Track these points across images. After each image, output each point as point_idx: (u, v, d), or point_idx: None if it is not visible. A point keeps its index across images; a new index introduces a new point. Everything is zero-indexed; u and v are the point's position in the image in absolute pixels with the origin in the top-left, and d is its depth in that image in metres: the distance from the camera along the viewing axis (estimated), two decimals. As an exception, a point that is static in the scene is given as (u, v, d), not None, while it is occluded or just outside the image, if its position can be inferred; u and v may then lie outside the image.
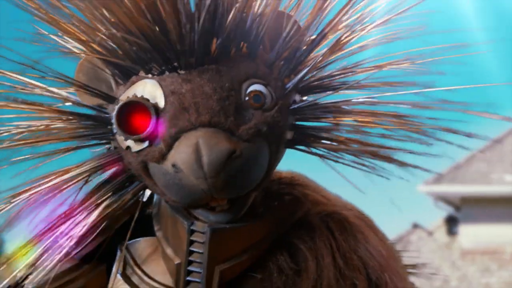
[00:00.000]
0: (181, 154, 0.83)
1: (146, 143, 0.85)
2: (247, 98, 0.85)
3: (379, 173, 0.95)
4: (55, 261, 0.89)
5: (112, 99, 0.89)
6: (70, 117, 0.90)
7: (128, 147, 0.86)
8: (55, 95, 0.91)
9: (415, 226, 9.68)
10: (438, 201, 9.87)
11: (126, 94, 0.86)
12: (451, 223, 10.01)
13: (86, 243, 0.92)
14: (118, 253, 0.96)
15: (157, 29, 0.82)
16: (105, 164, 0.91)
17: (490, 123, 0.99)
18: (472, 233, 9.36)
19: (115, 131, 0.87)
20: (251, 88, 0.86)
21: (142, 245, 0.96)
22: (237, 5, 0.82)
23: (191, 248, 0.89)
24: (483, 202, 9.23)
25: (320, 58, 0.88)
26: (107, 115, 0.89)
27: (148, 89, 0.85)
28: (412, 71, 0.90)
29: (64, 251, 0.88)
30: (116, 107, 0.85)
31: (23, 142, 0.90)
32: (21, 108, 0.89)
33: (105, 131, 0.90)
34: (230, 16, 0.82)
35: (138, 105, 0.85)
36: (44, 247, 0.90)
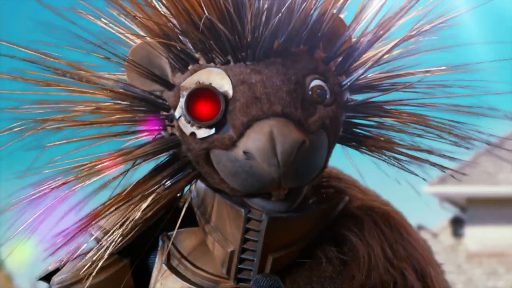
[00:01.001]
0: (255, 141, 0.87)
1: (213, 130, 0.88)
2: (310, 93, 0.91)
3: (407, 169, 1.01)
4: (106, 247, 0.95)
5: (169, 85, 0.92)
6: (124, 99, 0.92)
7: (192, 133, 0.89)
8: (105, 80, 0.93)
9: (420, 227, 9.65)
10: (443, 202, 9.85)
11: (189, 81, 0.89)
12: (457, 224, 9.98)
13: (127, 236, 0.96)
14: (160, 244, 0.99)
15: (231, 20, 0.87)
16: (161, 150, 0.94)
17: (497, 122, 1.04)
18: (478, 235, 9.34)
19: (178, 116, 0.90)
20: (314, 83, 0.92)
21: (185, 236, 1.00)
22: (303, 6, 0.89)
23: (246, 236, 0.94)
24: (490, 203, 9.21)
25: (377, 60, 0.95)
26: (161, 101, 0.92)
27: (214, 77, 0.89)
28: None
29: (115, 237, 0.93)
30: (185, 92, 0.88)
31: (72, 123, 0.93)
32: (74, 89, 0.93)
33: (158, 116, 0.93)
34: (297, 15, 0.88)
35: (208, 92, 0.88)
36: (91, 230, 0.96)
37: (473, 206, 9.48)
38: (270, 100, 0.89)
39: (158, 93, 0.93)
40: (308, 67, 0.93)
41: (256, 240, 0.94)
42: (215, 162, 0.91)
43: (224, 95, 0.89)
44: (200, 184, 1.02)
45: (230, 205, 0.96)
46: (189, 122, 0.89)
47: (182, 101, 0.89)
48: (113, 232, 0.98)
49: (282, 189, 0.90)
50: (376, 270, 0.94)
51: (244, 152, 0.87)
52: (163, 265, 0.98)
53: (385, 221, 0.98)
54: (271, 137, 0.86)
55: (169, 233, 0.99)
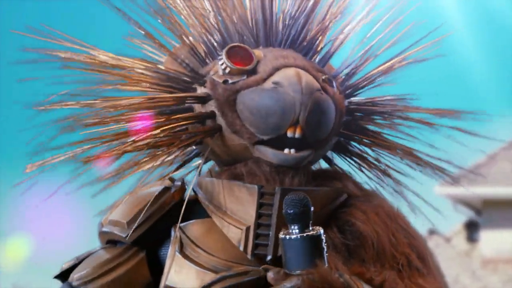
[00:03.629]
0: (284, 73, 1.11)
1: (245, 76, 1.13)
2: (322, 80, 1.15)
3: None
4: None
5: (202, 62, 1.21)
6: (163, 79, 1.16)
7: (225, 81, 1.13)
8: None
9: (432, 232, 9.65)
10: (457, 204, 9.84)
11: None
12: (471, 228, 9.98)
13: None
14: (173, 234, 1.12)
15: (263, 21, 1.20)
16: (192, 98, 1.16)
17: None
18: (494, 240, 9.33)
19: (212, 73, 1.15)
20: (324, 77, 1.17)
21: (195, 227, 1.13)
22: (319, 26, 1.22)
23: (260, 211, 1.09)
24: (506, 206, 9.20)
25: (373, 79, 1.24)
26: (196, 75, 1.17)
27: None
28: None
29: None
30: (225, 48, 1.14)
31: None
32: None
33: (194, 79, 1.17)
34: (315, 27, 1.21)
35: (243, 48, 1.16)
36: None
37: (489, 208, 9.47)
38: (295, 59, 1.16)
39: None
40: (321, 69, 1.20)
41: (270, 214, 1.08)
42: (241, 103, 1.11)
43: (256, 55, 1.14)
44: (203, 179, 1.18)
45: (242, 185, 1.11)
46: (224, 70, 1.13)
47: (222, 53, 1.14)
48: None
49: (298, 127, 1.08)
50: (383, 254, 1.09)
51: (274, 82, 1.10)
52: (177, 253, 1.09)
53: (385, 212, 1.14)
54: (297, 73, 1.11)
55: (181, 224, 1.12)
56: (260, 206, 1.09)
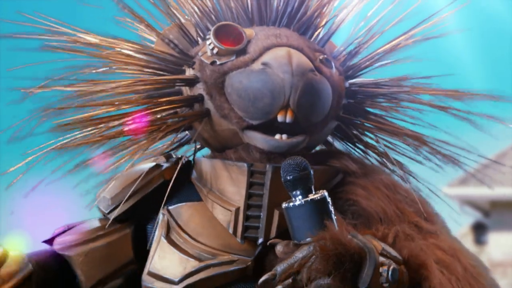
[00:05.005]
0: (274, 54, 1.07)
1: (234, 56, 1.09)
2: (319, 59, 1.12)
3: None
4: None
5: (193, 43, 1.18)
6: (153, 62, 1.14)
7: (213, 62, 1.10)
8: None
9: (438, 234, 9.68)
10: (464, 206, 9.84)
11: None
12: (479, 230, 9.98)
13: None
14: (160, 217, 1.11)
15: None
16: (181, 80, 1.13)
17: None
18: (503, 243, 9.33)
19: (200, 54, 1.12)
20: (321, 57, 1.13)
21: (186, 210, 1.11)
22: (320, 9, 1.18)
23: (251, 191, 1.06)
24: (516, 207, 9.20)
25: (377, 58, 1.20)
26: (185, 57, 1.15)
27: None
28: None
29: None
30: (214, 27, 1.11)
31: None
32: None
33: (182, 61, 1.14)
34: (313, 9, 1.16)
35: (233, 27, 1.12)
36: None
37: (498, 210, 9.47)
38: (288, 37, 1.11)
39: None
40: (318, 48, 1.16)
41: (261, 194, 1.05)
42: (229, 86, 1.08)
43: (247, 34, 1.11)
44: (197, 159, 1.16)
45: (231, 164, 1.08)
46: (212, 50, 1.09)
47: (210, 33, 1.10)
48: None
49: (289, 111, 1.04)
50: (393, 224, 1.04)
51: (263, 63, 1.06)
52: (162, 237, 1.08)
53: (384, 185, 1.11)
54: (288, 54, 1.06)
55: (170, 207, 1.11)
56: (250, 185, 1.06)
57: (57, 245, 1.14)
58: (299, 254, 0.88)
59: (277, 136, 1.06)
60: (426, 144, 1.17)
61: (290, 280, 0.88)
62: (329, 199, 0.93)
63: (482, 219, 10.07)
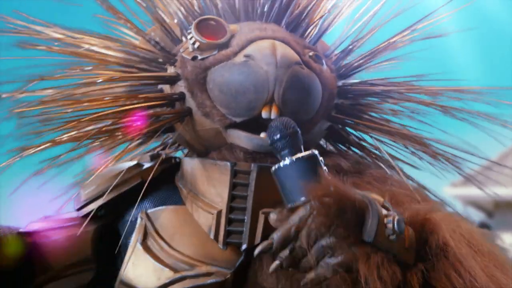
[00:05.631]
0: (257, 46, 1.01)
1: (216, 51, 1.04)
2: (308, 56, 1.07)
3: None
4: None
5: (177, 42, 1.13)
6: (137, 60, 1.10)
7: (195, 57, 1.05)
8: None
9: (441, 235, 9.67)
10: (468, 206, 9.83)
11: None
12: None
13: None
14: (139, 221, 1.05)
15: None
16: (162, 78, 1.09)
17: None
18: (507, 243, 9.32)
19: (182, 50, 1.07)
20: (311, 53, 1.08)
21: (166, 215, 1.05)
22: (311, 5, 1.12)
23: (234, 192, 0.99)
24: (520, 207, 9.19)
25: (366, 59, 1.16)
26: (167, 54, 1.10)
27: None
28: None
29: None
30: (195, 21, 1.06)
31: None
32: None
33: (165, 59, 1.09)
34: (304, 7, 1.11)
35: (215, 20, 1.07)
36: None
37: (501, 210, 9.46)
38: (274, 31, 1.05)
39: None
40: (309, 46, 1.10)
41: (245, 196, 0.98)
42: (211, 81, 1.02)
43: (231, 29, 1.05)
44: (182, 159, 1.10)
45: (213, 163, 1.02)
46: (194, 44, 1.04)
47: (191, 27, 1.06)
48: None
49: (274, 106, 0.98)
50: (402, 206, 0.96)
51: (245, 55, 1.01)
52: (138, 243, 1.02)
53: (375, 179, 1.06)
54: (272, 45, 1.00)
55: (149, 210, 1.05)
56: (233, 186, 1.00)
57: (22, 230, 1.09)
58: (296, 217, 0.82)
59: (262, 135, 1.00)
60: (426, 146, 1.13)
61: (287, 251, 0.81)
62: (320, 158, 0.88)
63: (485, 219, 10.07)
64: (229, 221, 0.99)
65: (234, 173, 1.00)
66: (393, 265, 0.82)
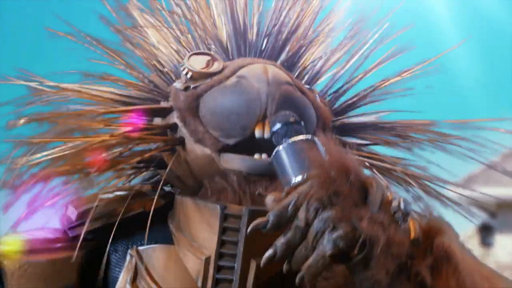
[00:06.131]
0: (249, 68, 1.03)
1: (209, 79, 1.04)
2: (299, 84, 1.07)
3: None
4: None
5: (171, 82, 1.12)
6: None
7: (187, 87, 1.05)
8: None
9: (443, 236, 9.65)
10: (470, 206, 9.81)
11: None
12: (485, 232, 9.97)
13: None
14: (128, 258, 1.00)
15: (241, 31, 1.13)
16: (155, 110, 1.08)
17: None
18: (510, 244, 9.33)
19: (175, 84, 1.07)
20: (306, 87, 1.09)
21: (157, 254, 1.00)
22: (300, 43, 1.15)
23: (224, 238, 0.94)
24: (522, 208, 9.20)
25: (359, 98, 1.15)
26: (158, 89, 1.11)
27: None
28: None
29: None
30: (188, 54, 1.08)
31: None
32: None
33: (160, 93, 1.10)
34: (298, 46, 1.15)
35: (207, 54, 1.09)
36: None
37: (504, 211, 9.47)
38: (265, 60, 1.08)
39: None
40: (300, 82, 1.11)
41: (235, 242, 0.94)
42: (203, 107, 1.02)
43: (223, 63, 1.07)
44: (176, 197, 1.05)
45: (204, 204, 0.98)
46: (186, 75, 1.05)
47: (184, 59, 1.08)
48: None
49: (267, 124, 0.96)
50: None
51: (237, 76, 1.01)
52: (127, 284, 0.98)
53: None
54: (264, 67, 1.03)
55: (141, 248, 1.00)
56: (223, 231, 0.94)
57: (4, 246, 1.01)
58: (294, 194, 0.77)
59: (256, 156, 0.97)
60: (421, 184, 1.11)
61: (282, 239, 0.76)
62: (319, 141, 0.84)
63: (488, 220, 10.07)
64: (218, 268, 0.95)
65: (224, 217, 0.95)
66: (399, 233, 0.77)
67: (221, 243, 0.94)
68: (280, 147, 0.84)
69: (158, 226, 1.02)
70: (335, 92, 1.18)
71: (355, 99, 1.16)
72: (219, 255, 0.94)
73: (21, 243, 1.01)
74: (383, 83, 1.16)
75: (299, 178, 0.80)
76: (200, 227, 0.97)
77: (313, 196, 0.75)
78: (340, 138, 1.10)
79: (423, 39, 1.19)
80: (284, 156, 0.83)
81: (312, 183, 0.77)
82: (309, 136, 0.85)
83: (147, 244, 1.01)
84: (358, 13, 1.21)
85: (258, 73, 1.00)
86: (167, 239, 1.02)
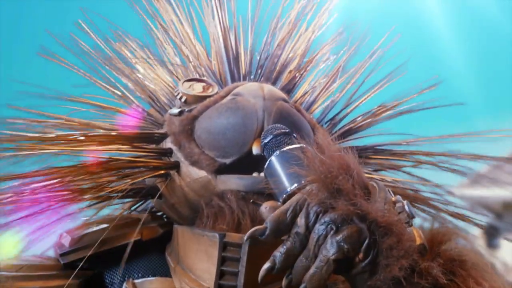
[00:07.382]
0: (244, 86, 1.03)
1: (204, 101, 1.03)
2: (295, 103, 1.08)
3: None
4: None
5: (164, 112, 1.14)
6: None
7: (181, 111, 1.05)
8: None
9: (449, 237, 9.64)
10: (476, 207, 9.81)
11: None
12: (491, 234, 9.93)
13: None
14: None
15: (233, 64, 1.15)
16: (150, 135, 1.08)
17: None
18: (516, 246, 9.30)
19: (169, 111, 1.08)
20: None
21: (154, 287, 0.95)
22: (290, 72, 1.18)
23: (223, 268, 0.88)
24: (529, 209, 9.19)
25: (355, 124, 1.16)
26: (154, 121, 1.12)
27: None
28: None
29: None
30: (182, 80, 1.09)
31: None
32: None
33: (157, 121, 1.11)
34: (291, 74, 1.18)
35: (202, 80, 1.09)
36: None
37: (510, 212, 9.45)
38: (260, 81, 1.08)
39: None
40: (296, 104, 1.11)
41: (235, 273, 0.88)
42: (198, 129, 1.00)
43: (217, 88, 1.08)
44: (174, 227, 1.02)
45: (201, 233, 0.93)
46: (181, 99, 1.05)
47: (178, 86, 1.08)
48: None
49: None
50: None
51: (233, 94, 1.02)
52: None
53: None
54: (259, 85, 1.01)
55: (136, 280, 0.96)
56: (222, 261, 0.89)
57: (1, 272, 1.00)
58: (292, 200, 0.74)
59: (255, 174, 0.95)
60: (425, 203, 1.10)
61: (281, 248, 0.72)
62: (310, 148, 0.82)
63: (494, 221, 10.04)
64: None
65: (224, 246, 0.89)
66: (407, 234, 0.74)
67: (220, 274, 0.89)
68: (272, 157, 0.82)
69: (155, 256, 1.00)
70: (331, 119, 1.19)
71: (352, 125, 1.18)
72: (219, 287, 0.89)
73: (15, 269, 1.00)
74: (380, 109, 1.19)
75: (295, 186, 0.78)
76: (198, 258, 0.92)
77: (313, 199, 0.73)
78: (340, 142, 1.10)
79: (420, 50, 1.23)
80: (277, 166, 0.81)
81: (311, 187, 0.74)
82: (301, 144, 0.83)
83: (144, 275, 0.97)
84: (350, 42, 1.28)
85: (254, 89, 0.99)
86: (164, 270, 0.99)
